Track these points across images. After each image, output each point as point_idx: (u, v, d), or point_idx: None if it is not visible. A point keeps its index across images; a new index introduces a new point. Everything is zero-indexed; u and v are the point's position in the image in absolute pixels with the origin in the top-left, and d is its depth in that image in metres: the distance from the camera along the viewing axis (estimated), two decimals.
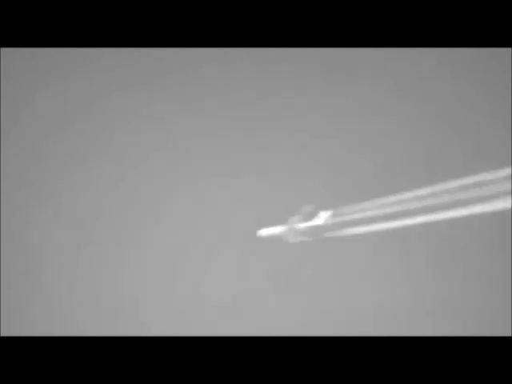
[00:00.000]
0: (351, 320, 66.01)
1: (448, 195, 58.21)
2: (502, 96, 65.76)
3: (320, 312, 66.80)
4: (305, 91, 69.21)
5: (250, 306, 67.44)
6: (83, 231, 70.74)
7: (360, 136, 68.03)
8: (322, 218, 63.47)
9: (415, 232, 61.95)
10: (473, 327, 62.73)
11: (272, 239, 65.12)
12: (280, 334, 57.20)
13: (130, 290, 69.40)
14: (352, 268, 66.82)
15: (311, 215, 64.41)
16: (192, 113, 70.02)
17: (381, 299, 66.49)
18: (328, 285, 66.84)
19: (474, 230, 60.95)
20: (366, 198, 62.33)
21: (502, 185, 54.72)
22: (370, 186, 65.42)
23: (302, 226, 64.12)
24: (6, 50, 68.22)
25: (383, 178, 66.26)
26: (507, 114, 65.32)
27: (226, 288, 68.03)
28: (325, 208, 64.24)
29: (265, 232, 65.71)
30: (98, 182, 71.12)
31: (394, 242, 64.79)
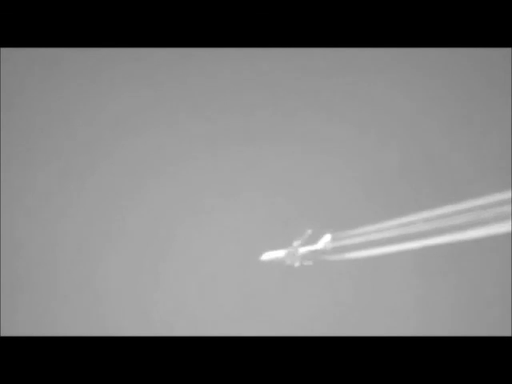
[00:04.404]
0: (352, 327, 66.71)
1: (450, 218, 59.80)
2: (502, 98, 65.88)
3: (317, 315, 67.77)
4: (308, 109, 69.86)
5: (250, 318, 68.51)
6: (84, 234, 70.78)
7: (362, 161, 68.75)
8: (323, 242, 65.98)
9: (414, 253, 62.73)
10: (473, 327, 62.79)
11: (274, 263, 67.09)
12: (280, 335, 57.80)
13: (129, 291, 69.54)
14: (351, 290, 67.94)
15: (312, 239, 66.56)
16: (195, 125, 70.60)
17: (382, 308, 67.07)
18: (328, 307, 67.99)
19: (474, 241, 61.47)
20: (365, 222, 63.60)
21: (499, 208, 56.10)
22: (370, 211, 66.33)
23: (304, 249, 66.34)
24: (5, 50, 68.25)
25: (383, 203, 67.08)
26: (507, 120, 65.51)
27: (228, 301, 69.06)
28: (325, 232, 66.04)
29: (267, 256, 67.48)
30: (94, 183, 71.18)
31: (393, 264, 65.59)
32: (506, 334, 59.51)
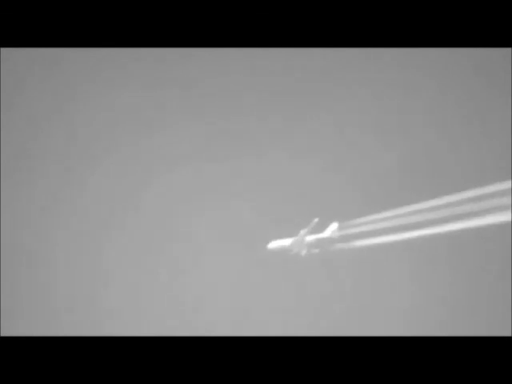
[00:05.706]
0: (354, 322, 66.86)
1: (451, 208, 60.35)
2: (502, 98, 65.92)
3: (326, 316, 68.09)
4: (308, 102, 70.12)
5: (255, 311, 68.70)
6: (84, 234, 70.84)
7: (365, 152, 69.19)
8: (330, 230, 67.30)
9: (418, 242, 63.03)
10: (473, 327, 62.82)
11: (281, 251, 67.81)
12: (284, 335, 57.87)
13: (132, 291, 69.65)
14: (357, 278, 68.34)
15: (319, 228, 67.60)
16: (197, 122, 70.94)
17: (384, 303, 67.20)
18: (334, 294, 68.37)
19: (474, 236, 61.67)
20: (371, 211, 64.25)
21: (501, 198, 56.49)
22: (375, 200, 66.82)
23: (310, 238, 67.71)
24: (5, 50, 68.28)
25: (388, 192, 67.48)
26: (507, 120, 65.53)
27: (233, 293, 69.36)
28: (332, 221, 67.05)
29: (274, 244, 68.56)
30: (94, 183, 71.23)
31: (398, 252, 65.96)
32: (506, 334, 59.50)
